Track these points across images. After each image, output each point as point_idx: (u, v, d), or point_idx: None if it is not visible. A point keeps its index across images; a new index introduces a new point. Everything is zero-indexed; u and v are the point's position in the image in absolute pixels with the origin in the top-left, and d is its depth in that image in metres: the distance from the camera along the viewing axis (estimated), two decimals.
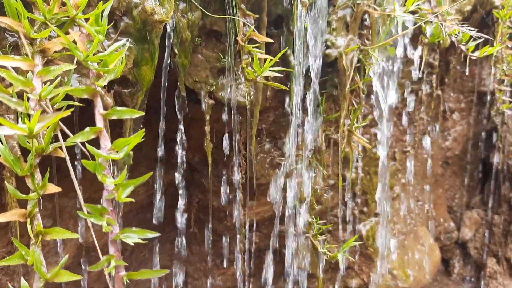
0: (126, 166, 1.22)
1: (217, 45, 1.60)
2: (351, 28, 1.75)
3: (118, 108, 0.93)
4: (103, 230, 0.85)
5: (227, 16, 1.40)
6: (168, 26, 1.33)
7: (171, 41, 1.35)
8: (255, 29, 1.44)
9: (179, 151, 1.72)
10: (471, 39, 1.81)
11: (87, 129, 0.88)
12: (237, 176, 1.91)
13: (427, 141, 2.66)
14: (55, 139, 0.99)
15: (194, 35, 1.45)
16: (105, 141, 0.91)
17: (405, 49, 1.94)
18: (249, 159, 1.91)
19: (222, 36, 1.58)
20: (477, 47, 1.85)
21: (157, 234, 0.91)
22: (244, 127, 1.81)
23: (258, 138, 1.99)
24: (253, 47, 1.43)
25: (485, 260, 3.32)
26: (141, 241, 0.89)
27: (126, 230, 0.89)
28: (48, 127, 0.87)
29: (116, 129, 1.62)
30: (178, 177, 1.67)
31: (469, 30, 1.62)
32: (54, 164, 1.29)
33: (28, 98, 0.85)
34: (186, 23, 1.39)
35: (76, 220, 1.90)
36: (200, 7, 1.35)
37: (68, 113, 0.81)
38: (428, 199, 3.03)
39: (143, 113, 0.97)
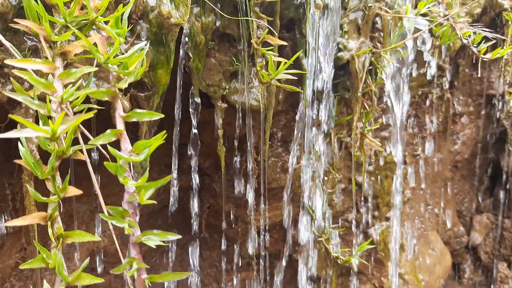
0: (144, 171, 1.21)
1: (230, 49, 1.60)
2: (362, 31, 1.75)
3: (138, 110, 0.93)
4: (125, 232, 0.85)
5: (242, 18, 1.41)
6: (183, 30, 1.33)
7: (186, 44, 1.35)
8: (268, 32, 1.44)
9: (192, 156, 1.71)
10: (483, 41, 1.80)
11: (108, 131, 0.88)
12: (249, 181, 1.91)
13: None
14: (75, 142, 0.98)
15: (207, 39, 1.45)
16: (126, 143, 0.91)
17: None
18: (261, 163, 1.90)
19: (235, 40, 1.59)
20: (487, 50, 1.84)
21: (179, 236, 0.91)
22: (256, 131, 1.81)
23: (270, 142, 1.98)
24: (266, 50, 1.43)
25: (495, 264, 3.29)
26: (162, 243, 0.89)
27: (148, 232, 0.89)
28: (70, 129, 0.87)
29: (129, 133, 1.62)
30: (193, 180, 1.66)
31: (483, 30, 1.61)
32: (72, 167, 1.29)
33: (49, 101, 0.85)
34: (200, 27, 1.39)
35: (88, 225, 1.90)
36: (215, 8, 1.35)
37: (90, 115, 0.80)
38: (438, 203, 3.01)
39: (162, 115, 0.97)
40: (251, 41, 1.43)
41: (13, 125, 1.02)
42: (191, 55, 1.39)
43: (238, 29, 1.53)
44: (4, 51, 1.07)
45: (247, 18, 1.40)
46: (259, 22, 1.40)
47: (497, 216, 3.33)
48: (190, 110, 1.55)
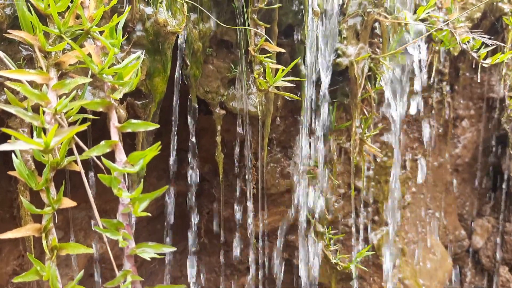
0: (140, 179, 1.21)
1: (228, 55, 1.59)
2: (361, 37, 1.74)
3: (133, 121, 0.92)
4: (120, 245, 0.84)
5: (240, 27, 1.40)
6: (180, 37, 1.32)
7: (183, 52, 1.35)
8: (266, 39, 1.43)
9: (190, 162, 1.71)
10: (483, 46, 1.79)
11: (102, 142, 0.87)
12: (248, 186, 1.90)
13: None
14: (69, 152, 0.98)
15: (205, 46, 1.44)
16: (120, 154, 0.90)
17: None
18: (260, 169, 1.90)
19: (232, 46, 1.58)
20: (487, 55, 1.83)
21: (174, 249, 0.90)
22: (255, 137, 1.80)
23: (268, 148, 1.98)
24: (264, 57, 1.42)
25: (497, 268, 3.28)
26: (157, 256, 0.88)
27: (143, 245, 0.88)
28: (64, 141, 0.86)
29: (127, 140, 1.62)
30: (190, 185, 1.65)
31: (482, 37, 1.60)
32: (68, 176, 1.28)
33: (43, 112, 0.84)
34: (197, 34, 1.38)
35: (86, 231, 1.89)
36: (212, 17, 1.34)
37: (84, 127, 0.80)
38: (439, 207, 3.00)
39: (158, 126, 0.96)
40: (249, 48, 1.42)
41: (9, 134, 1.02)
42: (188, 63, 1.38)
43: (236, 35, 1.52)
44: None
45: (244, 27, 1.39)
46: (257, 30, 1.40)
47: (498, 219, 3.32)
48: (188, 117, 1.54)
